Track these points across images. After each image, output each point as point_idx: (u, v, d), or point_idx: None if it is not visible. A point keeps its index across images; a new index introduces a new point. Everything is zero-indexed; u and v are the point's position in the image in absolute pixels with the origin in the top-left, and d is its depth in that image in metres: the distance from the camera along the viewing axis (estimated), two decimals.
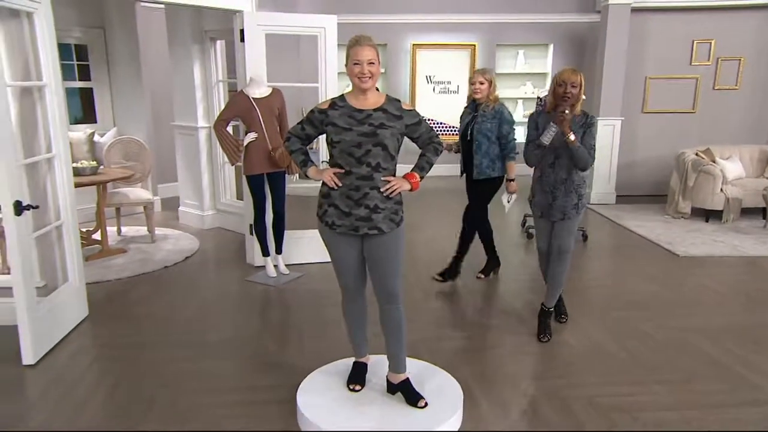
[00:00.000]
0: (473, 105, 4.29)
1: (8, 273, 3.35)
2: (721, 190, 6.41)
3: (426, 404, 2.68)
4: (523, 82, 9.43)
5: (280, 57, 6.49)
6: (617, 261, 5.44)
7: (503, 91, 9.45)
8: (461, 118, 4.41)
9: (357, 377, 2.87)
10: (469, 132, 4.27)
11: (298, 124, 2.66)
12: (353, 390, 2.82)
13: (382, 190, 2.51)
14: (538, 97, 5.99)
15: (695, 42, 7.51)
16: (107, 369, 3.23)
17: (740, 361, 3.34)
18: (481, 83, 4.17)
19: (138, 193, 5.78)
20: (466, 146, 4.30)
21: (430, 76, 9.27)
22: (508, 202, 4.36)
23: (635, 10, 7.27)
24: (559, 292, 3.66)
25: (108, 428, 2.67)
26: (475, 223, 4.48)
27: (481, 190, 4.36)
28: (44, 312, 3.36)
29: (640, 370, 3.24)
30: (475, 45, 9.16)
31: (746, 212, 6.55)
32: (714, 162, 6.65)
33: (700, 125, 7.76)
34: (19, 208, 3.09)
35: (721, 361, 3.35)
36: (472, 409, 2.80)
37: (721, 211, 6.44)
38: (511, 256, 5.25)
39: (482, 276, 4.68)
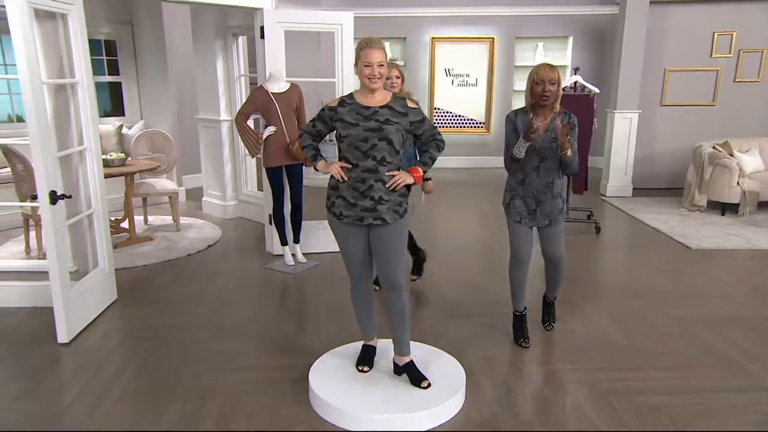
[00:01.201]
0: None
1: (44, 258, 3.59)
2: (738, 183, 6.39)
3: (429, 384, 2.83)
4: None
5: (301, 52, 6.65)
6: (628, 253, 5.50)
7: (523, 84, 9.49)
8: None
9: (365, 359, 3.04)
10: None
11: (310, 121, 2.83)
12: (362, 371, 2.99)
13: (387, 184, 2.66)
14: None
15: (716, 34, 7.43)
16: (135, 348, 3.46)
17: (742, 351, 3.41)
18: (397, 77, 3.80)
19: (164, 183, 6.02)
20: None
21: (449, 69, 9.34)
22: (423, 201, 4.20)
23: (654, 2, 7.22)
24: (561, 286, 3.66)
25: (137, 403, 2.88)
26: None
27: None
28: (77, 295, 3.60)
29: (642, 358, 3.33)
30: (494, 38, 9.20)
31: (764, 206, 6.52)
32: (731, 155, 6.62)
33: (720, 118, 7.69)
34: (54, 198, 3.33)
35: (723, 351, 3.42)
36: (474, 389, 2.95)
37: (738, 205, 6.43)
38: None
39: (416, 278, 4.47)
